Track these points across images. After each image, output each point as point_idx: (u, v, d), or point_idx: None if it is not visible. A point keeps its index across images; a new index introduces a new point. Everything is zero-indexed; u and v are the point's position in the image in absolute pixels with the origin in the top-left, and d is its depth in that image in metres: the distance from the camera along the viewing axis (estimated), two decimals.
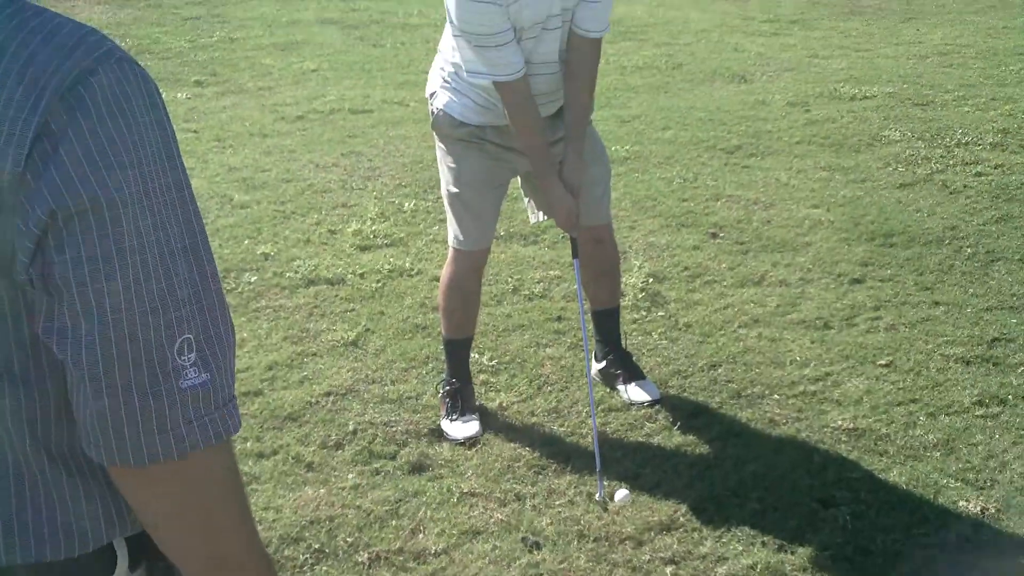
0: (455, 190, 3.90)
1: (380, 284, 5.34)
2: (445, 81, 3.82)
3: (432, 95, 3.89)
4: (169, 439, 1.13)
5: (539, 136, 3.70)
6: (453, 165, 3.89)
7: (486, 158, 3.87)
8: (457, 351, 4.18)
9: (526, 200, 4.30)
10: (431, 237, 6.00)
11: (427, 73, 4.03)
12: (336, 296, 5.22)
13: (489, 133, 3.81)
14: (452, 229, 3.99)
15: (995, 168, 6.98)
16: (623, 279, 5.12)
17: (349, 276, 5.44)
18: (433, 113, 3.87)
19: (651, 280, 5.30)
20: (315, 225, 6.23)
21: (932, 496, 3.52)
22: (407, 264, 5.58)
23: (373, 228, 6.12)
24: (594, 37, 3.70)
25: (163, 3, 15.65)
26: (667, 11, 15.49)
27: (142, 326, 1.10)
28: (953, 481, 3.59)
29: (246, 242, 5.90)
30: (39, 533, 1.21)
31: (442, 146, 3.92)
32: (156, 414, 1.12)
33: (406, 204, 6.56)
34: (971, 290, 5.09)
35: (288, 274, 5.44)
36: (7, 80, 1.04)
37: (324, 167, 7.46)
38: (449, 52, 3.76)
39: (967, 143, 7.60)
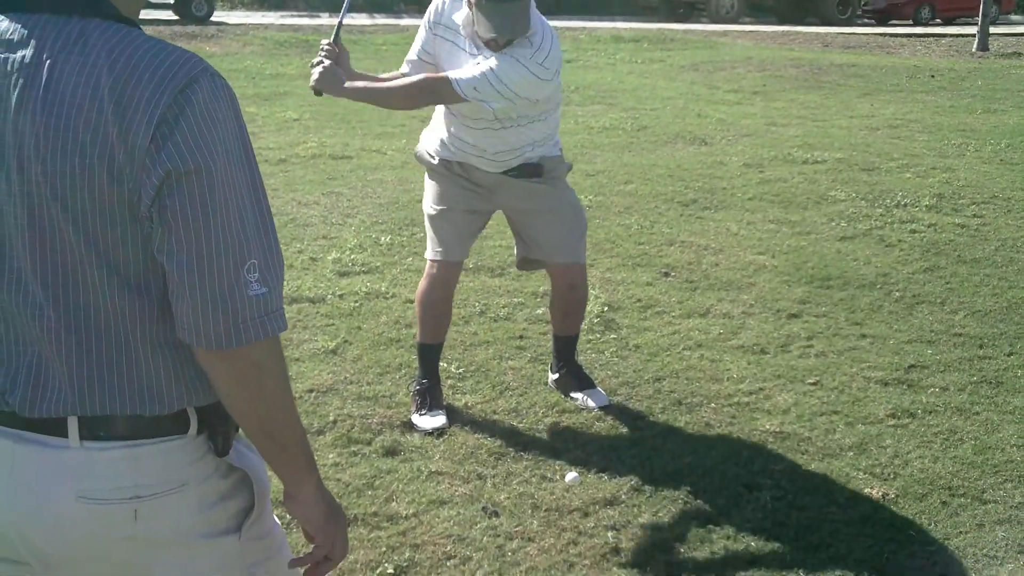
0: (432, 209, 4.45)
1: (358, 304, 5.81)
2: (428, 128, 4.48)
3: (421, 138, 4.55)
4: (240, 330, 1.64)
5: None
6: (429, 189, 4.48)
7: (455, 186, 4.41)
8: (428, 355, 4.65)
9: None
10: (405, 267, 6.48)
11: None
12: (317, 312, 5.68)
13: (455, 167, 4.37)
14: (430, 243, 4.53)
15: (928, 227, 7.55)
16: None
17: (329, 296, 5.91)
18: (417, 151, 4.54)
19: (606, 309, 5.80)
20: (298, 253, 6.71)
21: (843, 484, 4.01)
22: (383, 288, 6.06)
23: (352, 257, 6.61)
24: None
25: None
26: (636, 79, 16.18)
27: (224, 251, 1.62)
28: (862, 474, 4.08)
29: None
30: (141, 395, 1.72)
31: (426, 174, 4.49)
32: (232, 312, 1.63)
33: (383, 238, 7.05)
34: (895, 326, 5.61)
35: None
36: (142, 80, 1.58)
37: (306, 204, 7.97)
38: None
39: (906, 204, 8.18)
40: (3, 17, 1.64)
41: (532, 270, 5.08)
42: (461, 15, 4.13)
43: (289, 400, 1.79)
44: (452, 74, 4.06)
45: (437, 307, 4.58)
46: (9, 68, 1.60)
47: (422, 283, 4.60)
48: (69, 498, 1.70)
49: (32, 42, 1.60)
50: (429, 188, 4.52)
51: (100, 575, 1.79)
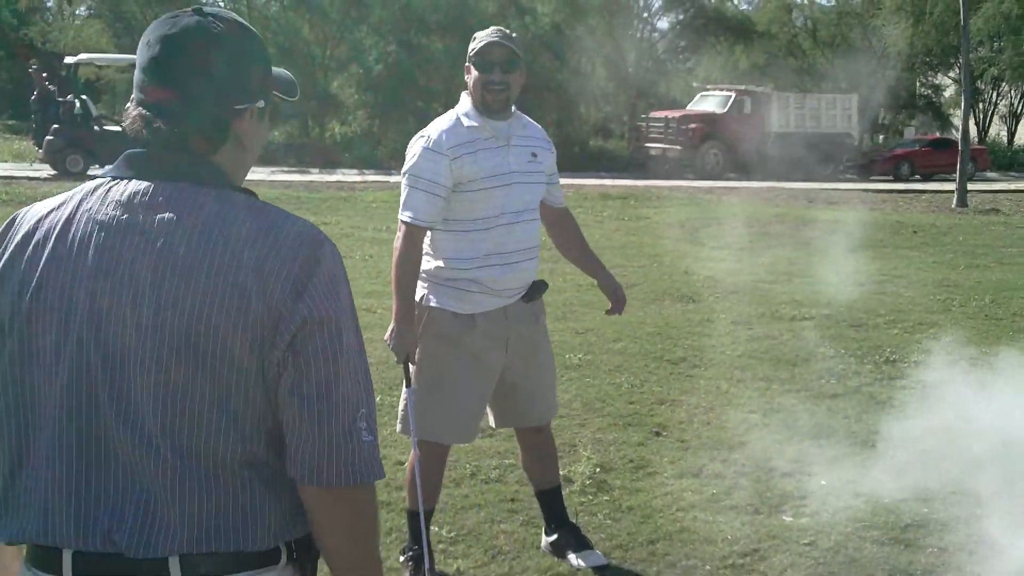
0: (460, 385, 4.38)
1: None
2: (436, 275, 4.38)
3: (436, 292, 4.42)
4: (351, 472, 1.83)
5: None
6: (451, 359, 4.38)
7: (488, 347, 4.37)
8: (419, 522, 4.58)
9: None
10: (394, 428, 6.43)
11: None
12: None
13: (479, 320, 4.35)
14: (441, 425, 4.41)
15: (916, 383, 7.58)
16: (572, 468, 5.61)
17: None
18: (435, 305, 4.40)
19: (598, 470, 5.77)
20: None
21: None
22: None
23: None
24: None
25: None
26: (624, 236, 16.38)
27: (347, 398, 1.83)
28: None
29: None
30: (245, 533, 1.85)
31: (434, 342, 4.39)
32: (349, 454, 1.83)
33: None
34: (889, 485, 5.57)
35: None
36: (277, 244, 1.82)
37: None
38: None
39: (895, 361, 8.22)
40: (124, 180, 1.86)
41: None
42: (470, 120, 4.23)
43: (377, 544, 1.98)
44: (405, 215, 4.19)
45: (436, 478, 4.54)
46: (133, 229, 1.80)
47: (421, 459, 4.46)
48: None
49: (162, 207, 1.82)
50: (452, 358, 4.30)
51: None
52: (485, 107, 4.24)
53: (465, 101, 4.29)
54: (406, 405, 4.38)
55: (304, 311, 1.78)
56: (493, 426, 4.85)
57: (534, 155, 4.37)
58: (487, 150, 4.21)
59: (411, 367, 4.29)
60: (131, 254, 1.79)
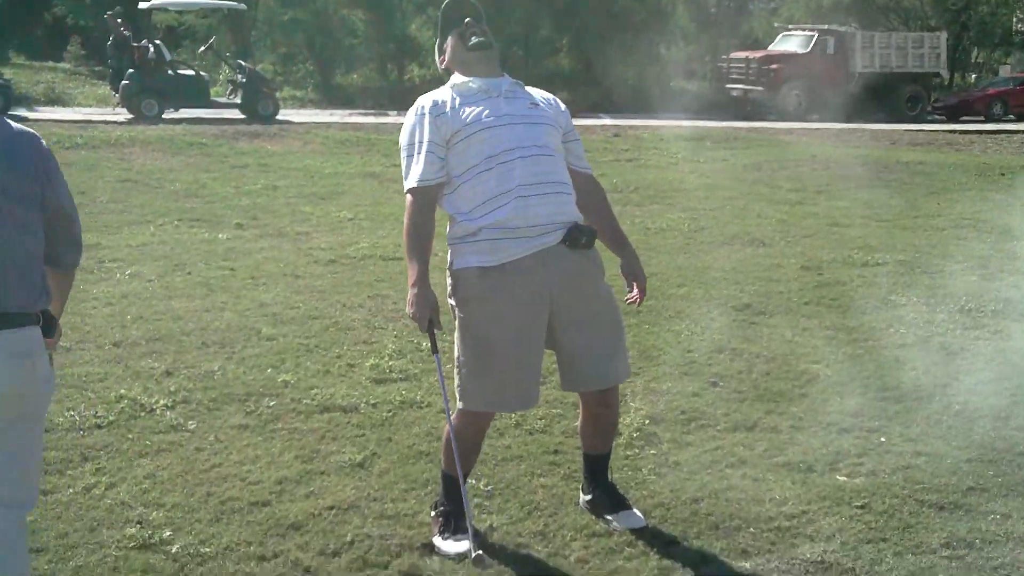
0: (504, 348, 4.16)
1: (391, 414, 5.63)
2: (460, 229, 4.19)
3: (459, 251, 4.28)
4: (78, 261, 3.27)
5: None
6: (487, 321, 4.18)
7: (526, 299, 4.12)
8: (457, 484, 4.38)
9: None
10: (443, 373, 6.28)
11: None
12: (348, 422, 5.51)
13: (510, 269, 4.10)
14: (494, 393, 4.23)
15: (993, 334, 7.24)
16: (621, 419, 5.38)
17: (363, 405, 5.74)
18: (459, 267, 4.27)
19: (647, 422, 5.55)
20: (336, 359, 6.57)
21: None
22: (418, 397, 5.88)
23: (390, 364, 6.45)
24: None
25: (213, 152, 16.35)
26: (697, 178, 16.03)
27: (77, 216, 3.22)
28: None
29: (268, 370, 6.24)
30: (44, 297, 3.04)
31: (468, 307, 4.23)
32: (80, 249, 3.25)
33: (423, 343, 6.88)
34: (954, 443, 5.29)
35: (305, 401, 5.76)
36: (32, 135, 3.08)
37: (350, 307, 7.84)
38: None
39: (970, 310, 7.87)
40: None
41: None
42: (456, 80, 4.21)
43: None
44: (406, 184, 4.09)
45: (475, 446, 4.36)
46: None
47: (468, 425, 4.29)
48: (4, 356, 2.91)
49: None
50: (488, 318, 4.10)
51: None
52: (473, 51, 4.17)
53: (455, 74, 4.26)
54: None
55: (52, 164, 3.05)
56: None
57: (535, 104, 4.22)
58: (473, 102, 4.10)
59: (435, 332, 4.16)
60: None
